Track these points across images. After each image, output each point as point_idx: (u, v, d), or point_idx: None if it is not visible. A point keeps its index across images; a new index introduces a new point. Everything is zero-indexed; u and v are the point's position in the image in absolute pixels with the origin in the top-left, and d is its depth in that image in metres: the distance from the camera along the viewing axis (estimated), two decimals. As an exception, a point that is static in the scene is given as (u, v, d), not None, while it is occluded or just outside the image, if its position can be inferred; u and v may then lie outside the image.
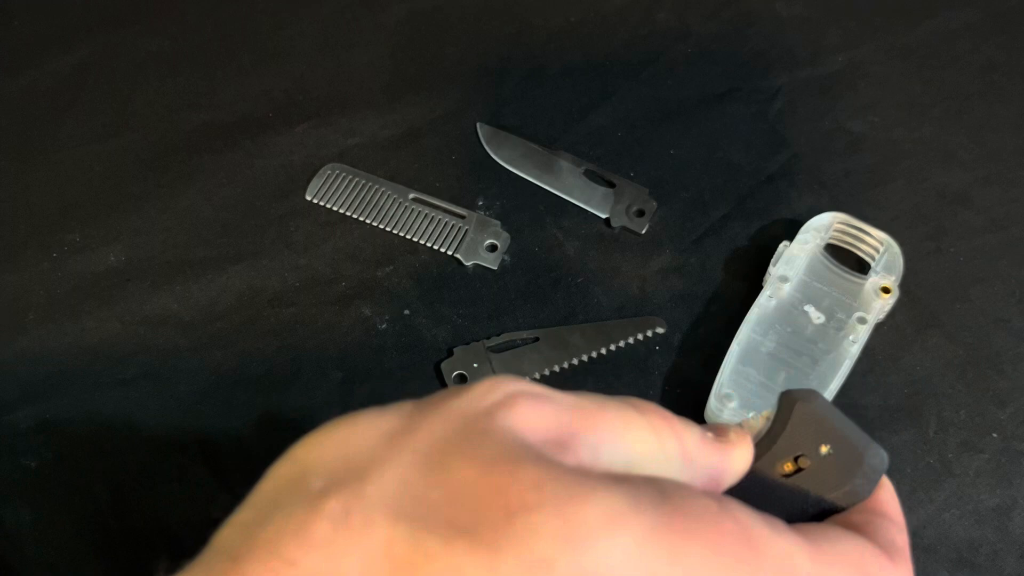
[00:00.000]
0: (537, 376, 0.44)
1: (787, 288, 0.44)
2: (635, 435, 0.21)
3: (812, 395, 0.24)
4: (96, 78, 0.54)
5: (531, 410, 0.21)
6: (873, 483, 0.23)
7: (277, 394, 0.44)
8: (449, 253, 0.47)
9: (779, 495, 0.22)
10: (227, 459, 0.42)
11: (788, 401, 0.24)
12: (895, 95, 0.52)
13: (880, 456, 0.23)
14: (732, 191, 0.49)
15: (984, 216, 0.48)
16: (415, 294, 0.46)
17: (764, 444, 0.23)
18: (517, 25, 0.55)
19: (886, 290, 0.43)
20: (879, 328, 0.44)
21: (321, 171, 0.50)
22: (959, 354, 0.44)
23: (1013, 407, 0.42)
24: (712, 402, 0.41)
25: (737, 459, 0.23)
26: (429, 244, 0.47)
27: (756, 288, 0.44)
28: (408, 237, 0.48)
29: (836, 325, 0.43)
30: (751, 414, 0.23)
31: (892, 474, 0.41)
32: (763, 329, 0.43)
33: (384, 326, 0.45)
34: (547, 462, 0.19)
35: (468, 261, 0.47)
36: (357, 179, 0.49)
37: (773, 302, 0.43)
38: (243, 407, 0.43)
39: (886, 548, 0.22)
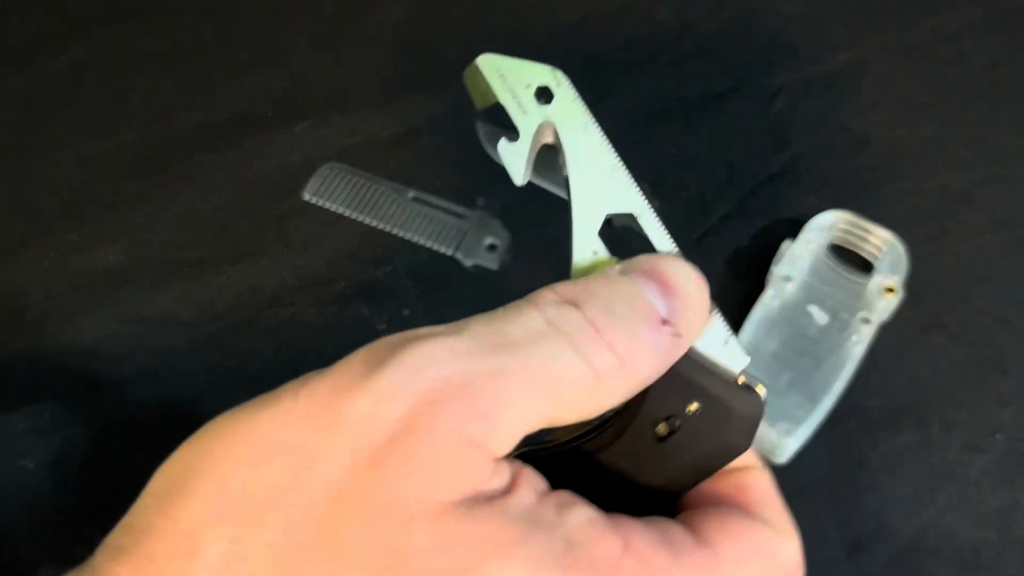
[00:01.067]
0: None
1: (790, 288, 0.43)
2: (557, 377, 0.20)
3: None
4: (94, 77, 0.54)
5: (443, 424, 0.19)
6: (750, 433, 0.22)
7: (276, 395, 0.43)
8: (449, 253, 0.47)
9: (659, 460, 0.22)
10: (226, 460, 0.42)
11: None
12: (898, 94, 0.51)
13: (751, 402, 0.22)
14: (734, 190, 0.48)
15: (988, 216, 0.47)
16: (415, 294, 0.46)
17: (630, 412, 0.23)
18: (517, 23, 0.55)
19: (890, 290, 0.43)
20: (883, 328, 0.43)
21: (320, 171, 0.49)
22: (962, 355, 0.44)
23: (1016, 408, 0.42)
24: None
25: (685, 344, 0.22)
26: (429, 244, 0.47)
27: (758, 288, 0.44)
28: (407, 237, 0.47)
29: (840, 325, 0.43)
30: None
31: (894, 475, 0.41)
32: (766, 329, 0.43)
33: (383, 326, 0.45)
34: (442, 524, 0.18)
35: (468, 261, 0.47)
36: (356, 179, 0.49)
37: (776, 302, 0.43)
38: (242, 408, 0.43)
39: (772, 517, 0.23)
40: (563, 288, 0.22)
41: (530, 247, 0.47)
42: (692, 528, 0.21)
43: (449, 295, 0.46)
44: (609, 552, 0.19)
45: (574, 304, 0.21)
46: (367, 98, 0.52)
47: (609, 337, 0.20)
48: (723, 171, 0.49)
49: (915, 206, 0.48)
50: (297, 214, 0.49)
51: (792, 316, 0.43)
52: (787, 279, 0.43)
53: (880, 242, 0.44)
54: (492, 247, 0.47)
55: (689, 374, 0.22)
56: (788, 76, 0.52)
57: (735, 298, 0.45)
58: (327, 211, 0.48)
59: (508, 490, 0.20)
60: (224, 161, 0.50)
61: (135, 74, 0.54)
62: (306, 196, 0.49)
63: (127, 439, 0.42)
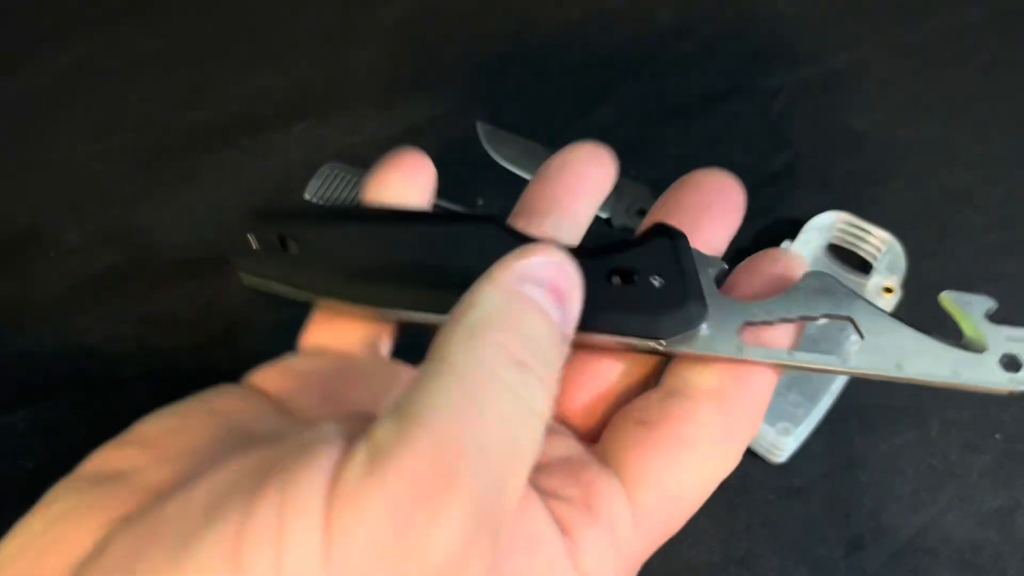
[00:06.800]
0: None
1: (789, 288, 0.43)
2: (528, 436, 0.18)
3: (681, 239, 0.25)
4: (94, 77, 0.54)
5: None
6: (680, 329, 0.23)
7: (276, 395, 0.43)
8: (449, 253, 0.47)
9: (596, 296, 0.22)
10: (226, 460, 0.42)
11: (660, 230, 0.25)
12: (898, 94, 0.51)
13: (700, 314, 0.24)
14: (734, 190, 0.48)
15: (987, 216, 0.47)
16: (415, 294, 0.46)
17: (614, 246, 0.24)
18: (517, 23, 0.55)
19: (888, 290, 0.43)
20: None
21: (320, 170, 0.49)
22: (962, 354, 0.44)
23: (1016, 408, 0.42)
24: (714, 403, 0.41)
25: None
26: (429, 244, 0.47)
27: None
28: (408, 237, 0.47)
29: (839, 325, 0.42)
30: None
31: (894, 475, 0.41)
32: (765, 329, 0.43)
33: (384, 326, 0.45)
34: None
35: (468, 261, 0.47)
36: (356, 179, 0.49)
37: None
38: (242, 408, 0.43)
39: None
40: (506, 340, 0.18)
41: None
42: (624, 472, 0.22)
43: (449, 295, 0.46)
44: None
45: (520, 364, 0.18)
46: (367, 98, 0.52)
47: (549, 382, 0.19)
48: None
49: (915, 206, 0.48)
50: (297, 214, 0.49)
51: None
52: (787, 279, 0.43)
53: (878, 242, 0.44)
54: (492, 247, 0.47)
55: (680, 258, 0.24)
56: (788, 76, 0.52)
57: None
58: (327, 211, 0.49)
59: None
60: (224, 161, 0.50)
61: (135, 74, 0.54)
62: (306, 196, 0.49)
63: (127, 439, 0.42)
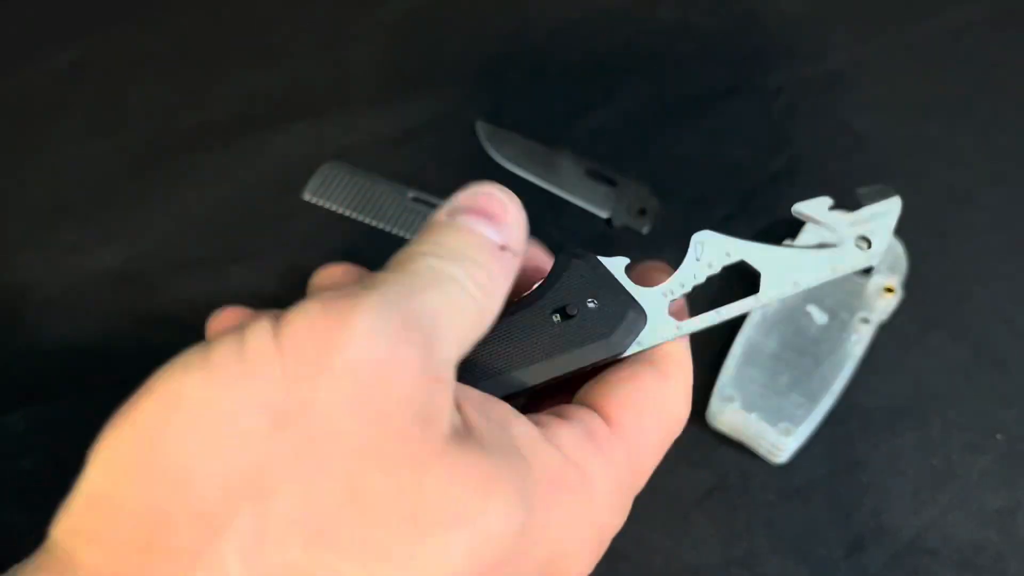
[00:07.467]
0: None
1: (790, 288, 0.43)
2: (464, 313, 0.23)
3: (590, 256, 0.28)
4: (92, 76, 0.54)
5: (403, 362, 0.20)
6: (631, 338, 0.27)
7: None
8: (449, 253, 0.47)
9: (546, 335, 0.26)
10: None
11: (566, 257, 0.28)
12: (899, 93, 0.51)
13: (637, 314, 0.27)
14: (735, 190, 0.48)
15: (989, 215, 0.47)
16: (415, 294, 0.46)
17: (538, 291, 0.27)
18: (517, 22, 0.55)
19: (889, 290, 0.43)
20: (883, 329, 0.43)
21: (320, 170, 0.49)
22: (963, 355, 0.43)
23: (1018, 408, 0.42)
24: (714, 403, 0.41)
25: (522, 258, 0.26)
26: (429, 244, 0.47)
27: (758, 288, 0.44)
28: (408, 237, 0.47)
29: (839, 325, 0.43)
30: None
31: (894, 475, 0.41)
32: (766, 329, 0.43)
33: (383, 326, 0.45)
34: (449, 461, 0.20)
35: (468, 261, 0.47)
36: (356, 179, 0.49)
37: (776, 302, 0.43)
38: (241, 408, 0.43)
39: (665, 367, 0.27)
40: (426, 246, 0.24)
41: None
42: (598, 406, 0.25)
43: (449, 295, 0.46)
44: (552, 464, 0.23)
45: (444, 257, 0.24)
46: (367, 97, 0.52)
47: (478, 279, 0.23)
48: (724, 170, 0.49)
49: (917, 205, 0.48)
50: (297, 214, 0.48)
51: (792, 316, 0.43)
52: (787, 279, 0.43)
53: (880, 242, 0.44)
54: (492, 247, 0.47)
55: (598, 276, 0.27)
56: (788, 76, 0.52)
57: (735, 298, 0.45)
58: (327, 211, 0.48)
59: (465, 419, 0.22)
60: (223, 161, 0.50)
61: (133, 73, 0.54)
62: (306, 196, 0.49)
63: (127, 439, 0.42)
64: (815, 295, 0.43)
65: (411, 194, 0.49)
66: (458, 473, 0.20)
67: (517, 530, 0.20)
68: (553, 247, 0.47)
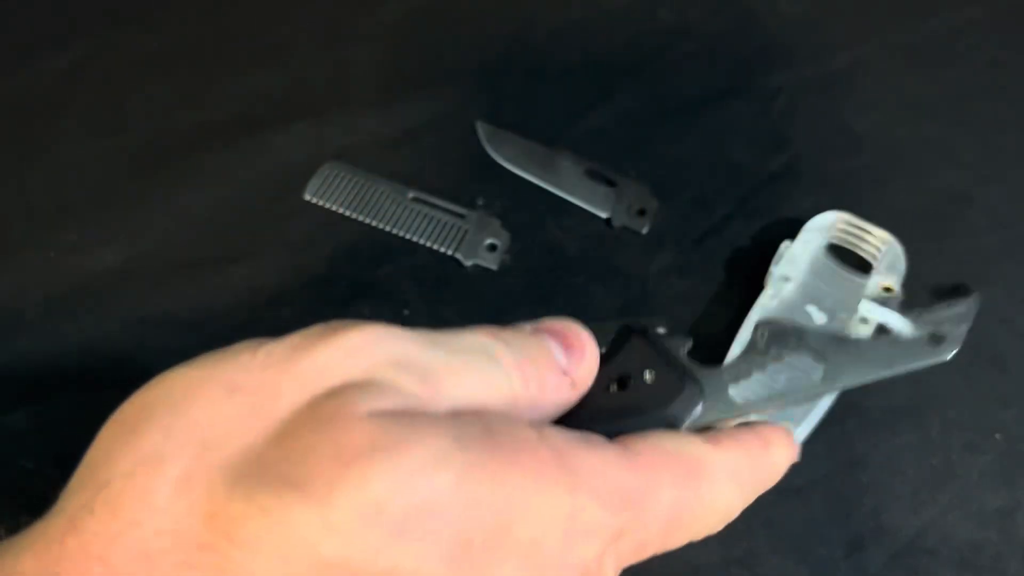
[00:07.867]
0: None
1: (789, 288, 0.43)
2: (488, 381, 0.24)
3: (652, 331, 0.28)
4: (94, 77, 0.54)
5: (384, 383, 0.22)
6: (688, 412, 0.27)
7: (276, 395, 0.43)
8: (449, 253, 0.47)
9: (603, 408, 0.26)
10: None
11: (626, 332, 0.28)
12: (898, 93, 0.51)
13: (694, 391, 0.27)
14: (734, 190, 0.48)
15: (988, 216, 0.47)
16: (414, 294, 0.46)
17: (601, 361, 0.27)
18: (517, 22, 0.55)
19: (888, 290, 0.43)
20: (882, 328, 0.43)
21: (320, 170, 0.49)
22: (962, 355, 0.43)
23: (1017, 408, 0.42)
24: (714, 403, 0.41)
25: (578, 394, 0.26)
26: (428, 244, 0.47)
27: (758, 288, 0.44)
28: (407, 237, 0.47)
29: (838, 325, 0.43)
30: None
31: (895, 475, 0.41)
32: (765, 329, 0.43)
33: (384, 326, 0.45)
34: (383, 417, 0.21)
35: (468, 261, 0.47)
36: (356, 178, 0.49)
37: (775, 302, 0.43)
38: (242, 408, 0.43)
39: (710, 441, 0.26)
40: (493, 330, 0.25)
41: (529, 247, 0.47)
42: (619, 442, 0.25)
43: (449, 295, 0.46)
44: (526, 438, 0.22)
45: (503, 342, 0.24)
46: (367, 97, 0.52)
47: (525, 373, 0.24)
48: (723, 171, 0.49)
49: (915, 206, 0.48)
50: (297, 214, 0.48)
51: (791, 316, 0.43)
52: (786, 279, 0.43)
53: (878, 242, 0.44)
54: (492, 247, 0.47)
55: (657, 350, 0.27)
56: (788, 76, 0.52)
57: (735, 298, 0.45)
58: (327, 211, 0.48)
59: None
60: (223, 161, 0.50)
61: (134, 74, 0.54)
62: (306, 196, 0.49)
63: (127, 439, 0.42)
64: (814, 295, 0.43)
65: (411, 194, 0.49)
66: (387, 427, 0.21)
67: (453, 482, 0.20)
68: (553, 247, 0.48)
